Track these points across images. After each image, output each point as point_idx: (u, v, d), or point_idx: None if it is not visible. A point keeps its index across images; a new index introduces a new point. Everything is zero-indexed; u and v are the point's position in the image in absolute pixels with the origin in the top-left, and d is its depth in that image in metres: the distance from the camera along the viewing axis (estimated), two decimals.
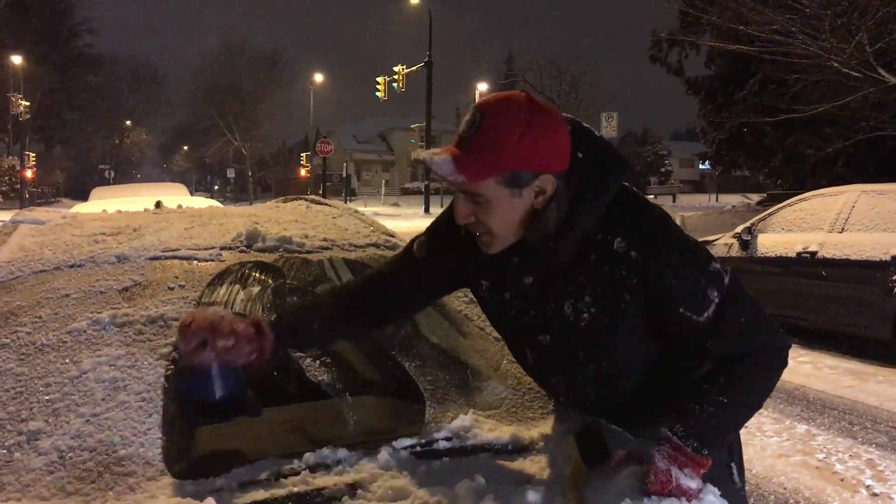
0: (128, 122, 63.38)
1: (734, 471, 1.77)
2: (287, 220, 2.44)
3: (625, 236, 1.43)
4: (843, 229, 7.47)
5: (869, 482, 4.25)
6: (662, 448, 1.40)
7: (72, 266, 1.94)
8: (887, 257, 6.99)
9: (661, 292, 1.44)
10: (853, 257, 7.16)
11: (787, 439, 4.96)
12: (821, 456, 4.67)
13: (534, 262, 1.49)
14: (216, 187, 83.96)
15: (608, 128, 21.26)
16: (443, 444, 1.59)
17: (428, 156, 1.41)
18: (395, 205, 44.91)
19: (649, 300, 1.45)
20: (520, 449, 1.61)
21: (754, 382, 1.49)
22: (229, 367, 1.47)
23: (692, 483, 1.38)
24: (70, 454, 1.42)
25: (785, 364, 1.52)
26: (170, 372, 1.62)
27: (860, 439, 5.02)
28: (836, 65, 13.99)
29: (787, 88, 16.38)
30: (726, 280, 1.46)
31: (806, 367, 6.77)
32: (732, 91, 20.88)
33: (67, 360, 1.60)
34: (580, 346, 1.54)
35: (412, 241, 1.70)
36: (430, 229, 1.68)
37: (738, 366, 1.47)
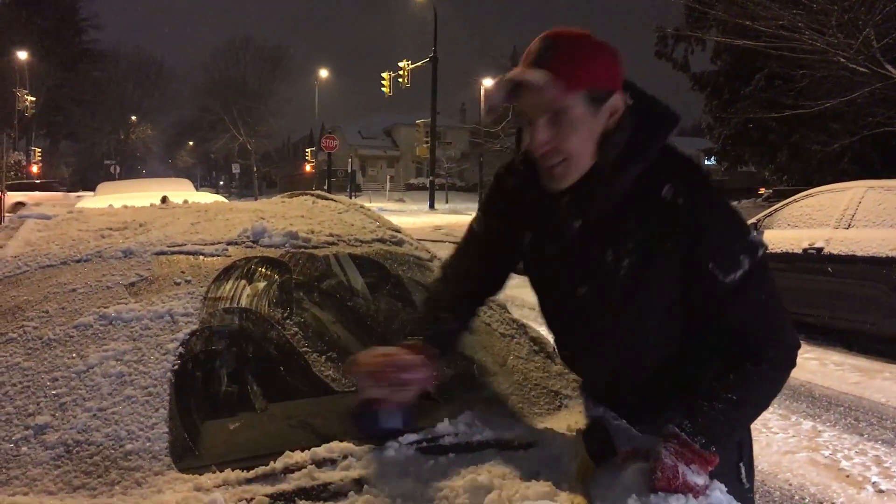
0: (133, 118, 63.42)
1: (742, 470, 1.76)
2: (293, 215, 2.44)
3: (673, 184, 1.47)
4: (849, 225, 7.45)
5: (875, 479, 4.24)
6: (670, 444, 1.40)
7: (78, 261, 1.94)
8: (894, 253, 6.96)
9: (697, 243, 1.45)
10: (859, 253, 7.14)
11: (793, 436, 4.95)
12: (827, 452, 4.66)
13: (586, 202, 1.53)
14: (221, 183, 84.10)
15: None
16: (448, 440, 1.58)
17: (517, 73, 1.45)
18: (400, 200, 44.95)
19: (685, 253, 1.46)
20: (525, 445, 1.60)
21: (764, 382, 1.50)
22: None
23: (699, 479, 1.38)
24: (77, 448, 1.42)
25: (793, 365, 1.53)
26: (176, 367, 1.63)
27: (866, 436, 5.01)
28: (842, 60, 13.93)
29: (793, 84, 16.31)
30: (760, 253, 1.48)
31: (812, 364, 6.76)
32: (738, 87, 20.80)
33: (74, 355, 1.61)
34: (614, 299, 1.55)
35: (471, 222, 1.80)
36: (482, 205, 1.77)
37: (748, 364, 1.47)
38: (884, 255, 7.02)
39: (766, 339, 1.50)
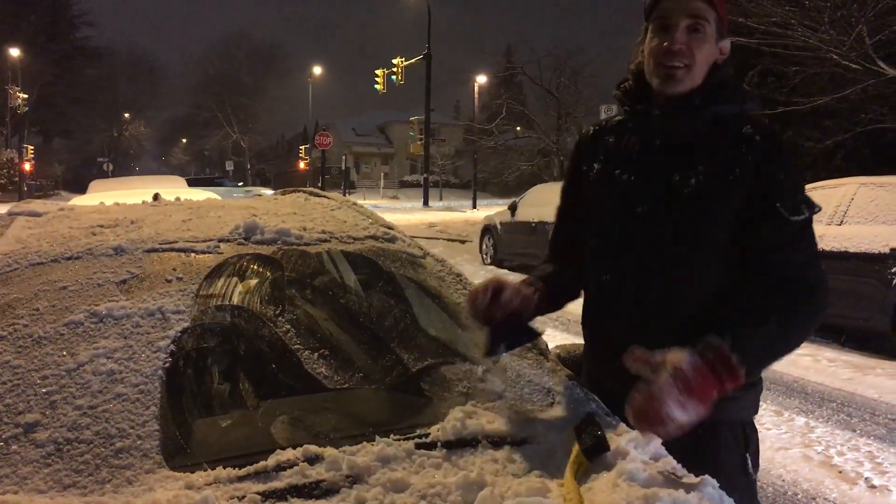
0: (126, 115, 63.26)
1: (749, 461, 1.78)
2: (285, 212, 2.43)
3: (754, 125, 1.69)
4: (842, 222, 7.47)
5: (868, 474, 4.26)
6: (708, 352, 1.45)
7: (69, 258, 1.93)
8: (886, 249, 6.99)
9: (768, 180, 1.64)
10: (852, 250, 7.17)
11: (786, 432, 4.97)
12: (819, 448, 4.68)
13: (674, 117, 1.73)
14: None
15: None
16: (441, 436, 1.58)
17: None
18: (394, 197, 44.94)
19: (753, 189, 1.62)
20: (518, 441, 1.60)
21: (806, 322, 1.63)
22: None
23: (681, 415, 1.40)
24: (67, 446, 1.41)
25: (818, 318, 1.65)
26: (167, 364, 1.62)
27: (859, 431, 5.03)
28: (835, 57, 13.97)
29: (786, 81, 16.33)
30: (816, 209, 1.67)
31: (805, 360, 6.78)
32: None
33: (65, 353, 1.60)
34: (672, 221, 1.69)
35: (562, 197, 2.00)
36: (566, 172, 2.00)
37: (794, 304, 1.61)
38: (876, 252, 7.04)
39: (815, 284, 1.65)
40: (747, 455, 1.78)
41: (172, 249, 2.01)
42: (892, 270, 6.93)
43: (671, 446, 1.55)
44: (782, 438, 4.84)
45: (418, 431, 1.59)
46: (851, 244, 7.19)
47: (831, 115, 16.91)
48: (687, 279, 1.71)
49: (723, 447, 1.77)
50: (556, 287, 1.91)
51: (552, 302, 1.90)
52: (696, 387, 1.41)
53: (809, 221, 1.66)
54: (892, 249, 6.96)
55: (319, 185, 39.45)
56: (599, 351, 1.93)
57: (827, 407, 5.56)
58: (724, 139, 1.69)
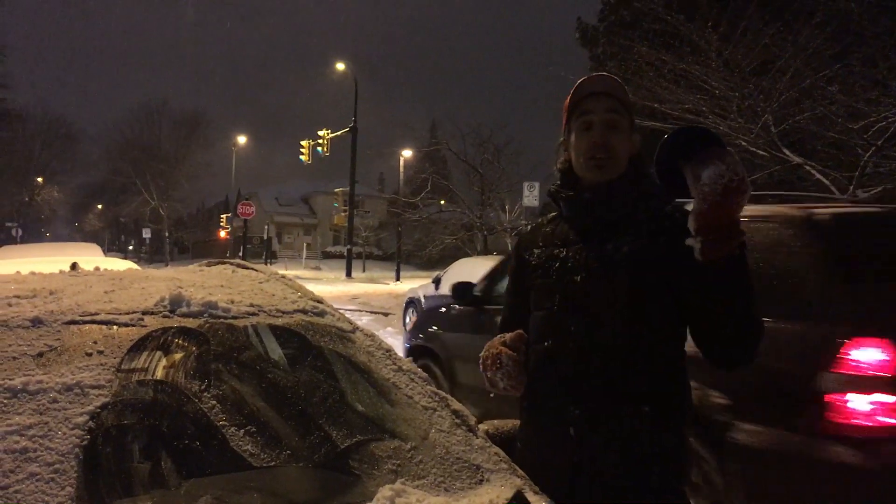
0: (39, 179, 61.26)
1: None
2: (212, 284, 2.39)
3: (673, 206, 1.92)
4: None
5: None
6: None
7: None
8: None
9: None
10: None
11: None
12: None
13: (603, 199, 1.93)
14: (130, 248, 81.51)
15: (530, 197, 21.63)
16: None
17: (606, 77, 2.02)
18: (317, 268, 44.57)
19: (680, 255, 1.71)
20: None
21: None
22: None
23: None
24: None
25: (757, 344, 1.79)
26: (85, 442, 1.55)
27: None
28: (744, 143, 14.77)
29: None
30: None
31: None
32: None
33: None
34: (608, 284, 1.86)
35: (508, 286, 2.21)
36: (510, 278, 2.20)
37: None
38: None
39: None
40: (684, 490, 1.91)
41: (94, 322, 1.95)
42: None
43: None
44: None
45: None
46: None
47: None
48: (627, 337, 1.83)
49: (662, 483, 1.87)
50: None
51: None
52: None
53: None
54: None
55: (240, 254, 38.81)
56: (539, 418, 1.98)
57: None
58: (648, 215, 1.91)
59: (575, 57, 23.53)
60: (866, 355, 3.09)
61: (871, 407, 3.03)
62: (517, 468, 1.93)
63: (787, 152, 14.40)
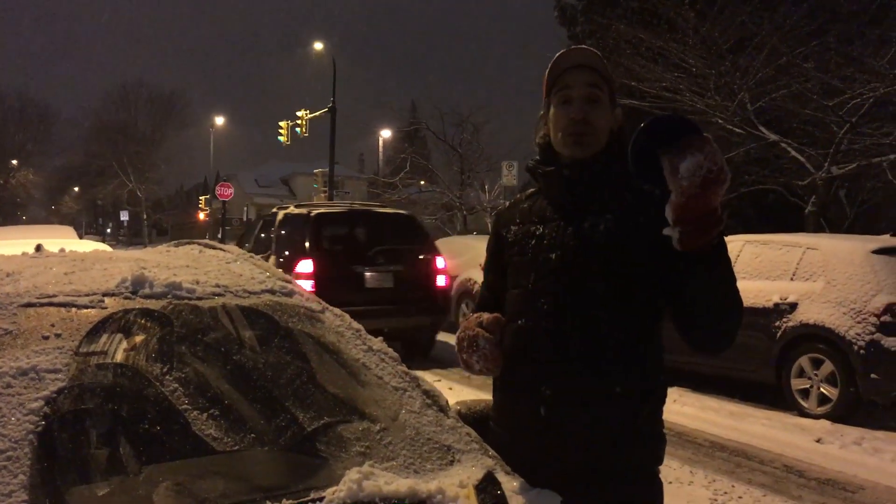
0: (14, 162, 60.28)
1: None
2: (178, 265, 2.33)
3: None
4: None
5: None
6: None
7: None
8: (770, 304, 7.34)
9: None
10: None
11: (670, 481, 5.07)
12: (709, 494, 4.79)
13: (581, 175, 1.88)
14: (108, 230, 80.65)
15: (508, 176, 21.61)
16: (338, 498, 1.52)
17: (585, 49, 1.97)
18: None
19: (658, 234, 1.66)
20: (417, 502, 1.56)
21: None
22: None
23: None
24: None
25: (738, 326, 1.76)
26: (40, 428, 1.50)
27: (743, 479, 5.18)
28: (720, 121, 14.81)
29: None
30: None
31: (690, 410, 6.98)
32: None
33: None
34: (584, 262, 1.82)
35: (486, 263, 2.14)
36: (488, 254, 2.13)
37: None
38: (761, 306, 7.38)
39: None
40: None
41: (51, 304, 1.88)
42: (777, 324, 7.27)
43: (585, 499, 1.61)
44: (668, 488, 4.94)
45: (312, 495, 1.53)
46: None
47: None
48: (603, 317, 1.79)
49: (633, 499, 1.84)
50: None
51: None
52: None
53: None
54: (775, 304, 7.32)
55: (220, 236, 38.50)
56: (510, 398, 1.95)
57: (715, 456, 5.72)
58: (626, 194, 1.85)
59: (553, 36, 23.40)
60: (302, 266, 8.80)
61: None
62: (489, 448, 1.90)
63: (764, 130, 14.46)
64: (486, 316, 1.92)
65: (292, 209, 10.20)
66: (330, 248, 9.37)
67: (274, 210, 10.71)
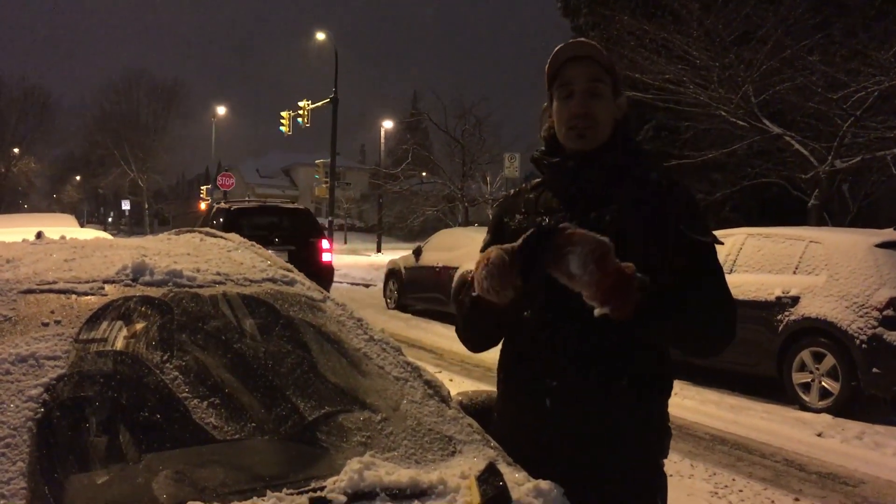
0: (16, 150, 60.22)
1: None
2: (178, 252, 2.32)
3: (657, 173, 1.90)
4: (731, 270, 7.78)
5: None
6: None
7: None
8: (772, 297, 7.32)
9: (674, 211, 1.80)
10: (741, 297, 7.46)
11: (671, 474, 5.07)
12: (709, 487, 4.79)
13: (586, 167, 1.88)
14: (110, 220, 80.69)
15: (510, 168, 21.58)
16: (338, 488, 1.51)
17: (585, 41, 1.95)
18: None
19: (662, 223, 1.77)
20: (418, 493, 1.55)
21: (711, 313, 1.77)
22: None
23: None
24: None
25: (733, 334, 1.80)
26: (39, 415, 1.49)
27: (744, 472, 5.17)
28: (724, 114, 14.75)
29: (678, 135, 17.13)
30: (718, 241, 1.89)
31: (690, 403, 6.97)
32: None
33: None
34: None
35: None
36: (487, 238, 2.08)
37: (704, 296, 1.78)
38: (763, 299, 7.36)
39: (731, 308, 1.83)
40: (658, 500, 1.86)
41: (51, 291, 1.87)
42: (778, 318, 7.26)
43: (587, 495, 1.59)
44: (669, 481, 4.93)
45: (313, 484, 1.52)
46: (740, 292, 7.48)
47: (720, 168, 17.79)
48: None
49: (637, 492, 1.83)
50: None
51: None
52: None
53: (714, 245, 1.85)
54: (777, 297, 7.30)
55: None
56: (515, 390, 1.93)
57: (715, 449, 5.71)
58: (631, 184, 1.86)
59: (557, 28, 23.29)
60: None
61: None
62: (490, 439, 1.89)
63: (767, 122, 14.40)
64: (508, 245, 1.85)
65: (222, 204, 14.64)
66: (243, 233, 12.50)
67: (214, 206, 14.70)
